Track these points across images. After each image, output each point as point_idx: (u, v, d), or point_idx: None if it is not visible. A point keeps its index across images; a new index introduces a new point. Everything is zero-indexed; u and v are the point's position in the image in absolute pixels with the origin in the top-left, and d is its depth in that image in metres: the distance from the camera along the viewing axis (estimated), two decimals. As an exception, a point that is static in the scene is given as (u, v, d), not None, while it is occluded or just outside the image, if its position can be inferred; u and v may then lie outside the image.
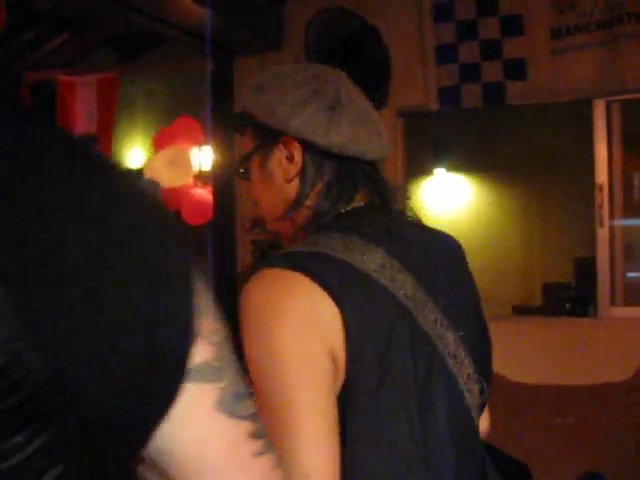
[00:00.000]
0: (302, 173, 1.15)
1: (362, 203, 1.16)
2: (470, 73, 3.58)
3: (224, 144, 3.89)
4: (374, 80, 3.47)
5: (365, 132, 1.15)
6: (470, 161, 5.09)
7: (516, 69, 3.52)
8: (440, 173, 5.16)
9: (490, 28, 3.54)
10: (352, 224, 1.11)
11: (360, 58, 3.50)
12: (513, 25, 3.51)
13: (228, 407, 0.58)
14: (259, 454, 0.60)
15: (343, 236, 1.06)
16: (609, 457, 3.25)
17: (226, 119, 1.39)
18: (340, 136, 1.12)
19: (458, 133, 4.79)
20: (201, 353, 0.56)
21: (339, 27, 3.53)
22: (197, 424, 0.57)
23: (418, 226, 1.22)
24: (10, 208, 0.47)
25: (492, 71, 3.56)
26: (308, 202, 1.15)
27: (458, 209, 5.03)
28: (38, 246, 0.47)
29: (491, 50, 3.55)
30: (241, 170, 1.25)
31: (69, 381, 0.47)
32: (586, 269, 4.13)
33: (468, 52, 3.58)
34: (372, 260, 1.05)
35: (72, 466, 0.48)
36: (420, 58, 3.65)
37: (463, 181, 5.20)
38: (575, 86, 3.44)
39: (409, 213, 1.22)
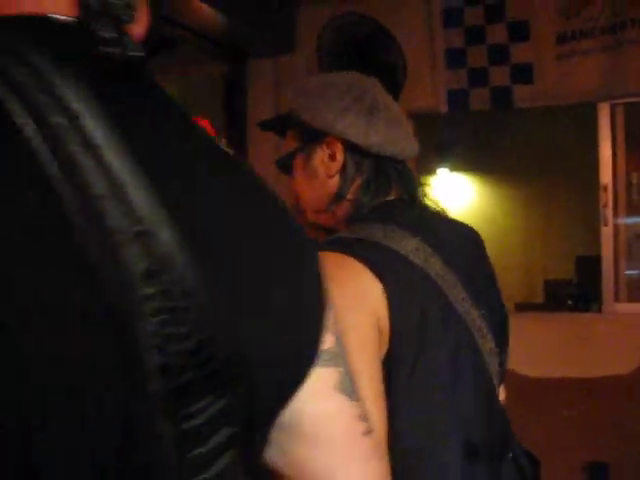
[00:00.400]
0: (343, 170, 1.30)
1: (394, 197, 1.31)
2: (478, 77, 3.70)
3: (237, 146, 3.98)
4: (386, 83, 3.58)
5: (398, 134, 1.31)
6: (473, 161, 5.20)
7: (523, 73, 3.63)
8: (443, 173, 5.27)
9: (498, 33, 3.66)
10: (388, 215, 1.26)
11: (373, 61, 3.60)
12: (520, 31, 3.63)
13: (345, 389, 0.68)
14: (365, 434, 0.69)
15: (382, 225, 1.21)
16: (614, 448, 3.37)
17: (269, 120, 1.52)
18: (378, 138, 1.28)
19: (461, 133, 4.90)
20: (326, 341, 0.66)
21: (353, 30, 3.63)
22: (322, 401, 0.66)
23: (442, 217, 1.37)
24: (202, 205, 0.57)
25: (500, 75, 3.67)
26: (348, 196, 1.30)
27: (461, 208, 5.14)
28: (227, 251, 0.57)
29: (499, 55, 3.66)
30: (284, 166, 1.40)
31: (246, 355, 0.56)
32: (587, 266, 4.27)
33: (476, 56, 3.69)
34: (408, 245, 1.19)
35: (238, 428, 0.57)
36: (429, 62, 3.76)
37: (466, 181, 5.31)
38: (580, 89, 3.56)
39: (434, 206, 1.37)
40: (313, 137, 1.32)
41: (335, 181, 1.31)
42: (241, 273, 0.57)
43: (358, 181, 1.30)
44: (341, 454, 0.68)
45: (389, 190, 1.31)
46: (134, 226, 0.50)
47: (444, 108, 3.76)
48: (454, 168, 5.26)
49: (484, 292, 1.30)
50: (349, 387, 0.68)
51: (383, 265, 1.14)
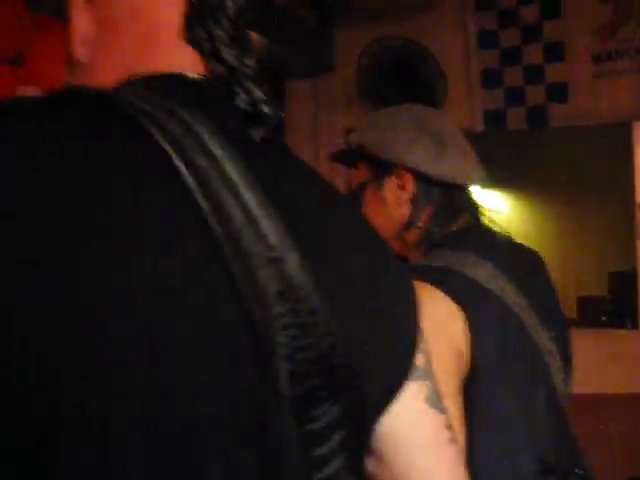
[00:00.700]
0: (413, 199, 1.35)
1: (463, 224, 1.36)
2: (515, 96, 3.76)
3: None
4: (425, 103, 3.65)
5: (465, 163, 1.37)
6: (506, 178, 5.25)
7: (558, 93, 3.70)
8: (475, 189, 5.32)
9: (533, 54, 3.73)
10: (461, 242, 1.31)
11: (412, 82, 3.68)
12: (555, 51, 3.70)
13: (433, 401, 0.75)
14: (451, 441, 0.77)
15: (457, 253, 1.27)
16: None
17: (340, 152, 1.60)
18: (446, 168, 1.33)
19: (494, 151, 4.95)
20: (418, 358, 0.74)
21: (393, 53, 3.72)
22: (413, 411, 0.74)
23: (510, 242, 1.41)
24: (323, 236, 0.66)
25: (535, 95, 3.74)
26: (418, 224, 1.35)
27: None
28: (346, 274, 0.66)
29: (534, 74, 3.73)
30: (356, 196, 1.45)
31: (359, 365, 0.64)
32: (621, 282, 4.30)
33: (513, 76, 3.76)
34: (484, 272, 1.24)
35: (349, 433, 0.64)
36: (466, 82, 3.84)
37: (499, 198, 5.36)
38: (615, 109, 3.61)
39: (500, 231, 1.41)
40: (383, 169, 1.38)
41: (405, 210, 1.36)
42: (355, 292, 0.66)
43: (428, 209, 1.35)
44: (432, 458, 0.75)
45: (458, 218, 1.36)
46: (267, 252, 0.58)
47: (481, 127, 3.82)
48: (487, 185, 5.30)
49: (551, 315, 1.35)
50: (436, 400, 0.76)
51: (463, 292, 1.20)
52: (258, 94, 0.67)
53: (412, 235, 1.37)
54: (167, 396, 0.53)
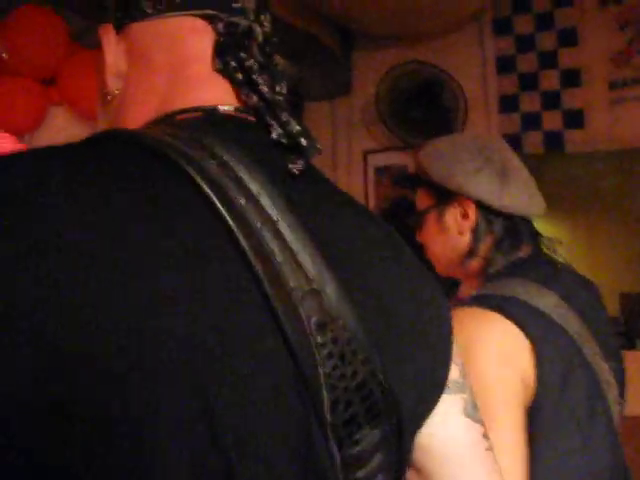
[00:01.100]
0: (475, 228, 1.39)
1: (524, 254, 1.39)
2: (531, 122, 3.81)
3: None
4: (444, 126, 3.70)
5: (528, 194, 1.39)
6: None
7: (575, 119, 3.74)
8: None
9: (550, 80, 3.77)
10: (524, 272, 1.33)
11: (431, 105, 3.72)
12: (572, 77, 3.74)
13: (469, 412, 0.79)
14: (488, 449, 0.80)
15: (520, 282, 1.29)
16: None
17: (401, 177, 1.63)
18: (510, 199, 1.36)
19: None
20: (452, 372, 0.78)
21: (413, 76, 3.76)
22: (450, 424, 0.78)
23: (570, 271, 1.44)
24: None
25: (552, 120, 3.78)
26: (480, 253, 1.39)
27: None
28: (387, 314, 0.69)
29: (551, 100, 3.78)
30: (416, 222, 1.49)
31: (398, 389, 0.67)
32: (633, 303, 4.33)
33: (529, 102, 3.81)
34: (548, 301, 1.27)
35: (389, 453, 0.67)
36: (484, 106, 3.88)
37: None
38: (631, 135, 3.66)
39: (561, 261, 1.44)
40: (446, 197, 1.41)
41: (467, 238, 1.40)
42: (391, 318, 0.69)
43: (490, 239, 1.38)
44: (470, 469, 0.78)
45: (520, 247, 1.38)
46: (307, 285, 0.60)
47: (497, 151, 3.85)
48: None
49: (608, 346, 1.36)
50: (472, 411, 0.79)
51: (528, 322, 1.22)
52: (294, 126, 0.67)
53: (474, 264, 1.41)
54: (217, 435, 0.54)
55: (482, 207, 1.38)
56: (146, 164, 0.59)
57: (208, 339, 0.54)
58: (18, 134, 2.47)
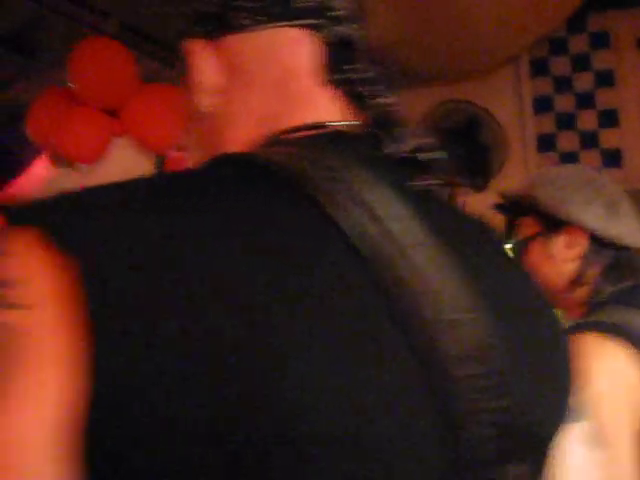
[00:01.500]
0: (582, 257, 1.43)
1: (630, 283, 1.43)
2: (569, 161, 3.84)
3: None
4: (481, 163, 3.73)
5: (634, 226, 1.45)
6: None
7: (612, 158, 3.78)
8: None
9: (588, 120, 3.82)
10: (629, 299, 1.37)
11: (471, 144, 3.76)
12: (609, 118, 3.79)
13: (587, 439, 0.80)
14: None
15: (630, 310, 1.32)
16: None
17: (506, 203, 1.62)
18: (617, 230, 1.42)
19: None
20: (572, 401, 0.76)
21: (454, 115, 3.81)
22: (569, 452, 0.77)
23: None
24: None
25: (590, 159, 3.81)
26: (587, 280, 1.43)
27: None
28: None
29: (589, 140, 3.82)
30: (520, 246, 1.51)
31: (538, 424, 0.64)
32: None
33: (567, 141, 3.85)
34: None
35: None
36: (522, 146, 3.92)
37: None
38: (668, 173, 3.70)
39: None
40: (555, 225, 1.45)
41: (572, 266, 1.44)
42: (530, 350, 0.66)
43: (596, 268, 1.43)
44: None
45: (626, 276, 1.43)
46: (446, 316, 0.56)
47: (536, 190, 3.88)
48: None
49: None
50: (591, 438, 0.80)
51: (638, 347, 1.25)
52: (414, 140, 0.64)
53: (581, 292, 1.44)
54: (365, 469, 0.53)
55: (591, 237, 1.42)
56: (270, 190, 0.57)
57: (352, 387, 0.53)
58: (81, 162, 2.49)
